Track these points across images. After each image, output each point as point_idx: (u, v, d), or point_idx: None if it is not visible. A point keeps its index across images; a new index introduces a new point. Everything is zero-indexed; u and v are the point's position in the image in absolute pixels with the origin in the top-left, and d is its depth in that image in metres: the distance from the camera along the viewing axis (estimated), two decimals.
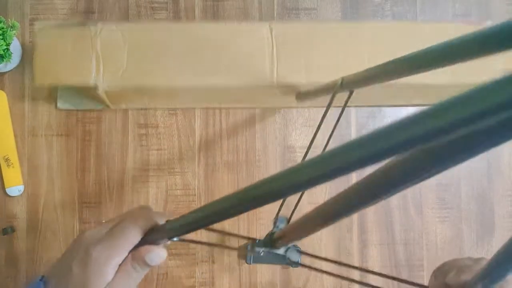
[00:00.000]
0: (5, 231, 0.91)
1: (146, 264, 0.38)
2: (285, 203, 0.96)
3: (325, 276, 0.95)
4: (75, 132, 0.94)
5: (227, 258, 0.94)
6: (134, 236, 0.39)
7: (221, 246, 0.93)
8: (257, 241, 0.83)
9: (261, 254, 0.81)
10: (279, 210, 0.83)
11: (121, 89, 0.82)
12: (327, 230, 0.95)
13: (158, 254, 0.40)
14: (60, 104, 0.93)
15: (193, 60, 0.82)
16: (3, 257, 0.92)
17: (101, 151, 0.94)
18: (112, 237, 0.38)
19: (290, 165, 0.97)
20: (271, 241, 0.79)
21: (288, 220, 0.88)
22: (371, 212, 0.97)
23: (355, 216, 0.96)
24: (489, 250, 0.98)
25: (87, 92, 0.89)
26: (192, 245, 0.92)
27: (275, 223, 0.87)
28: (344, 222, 0.96)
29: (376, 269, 0.90)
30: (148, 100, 0.90)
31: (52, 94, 0.94)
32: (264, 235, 0.68)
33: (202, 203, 0.97)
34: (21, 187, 0.93)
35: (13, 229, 0.92)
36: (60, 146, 0.94)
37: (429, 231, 0.98)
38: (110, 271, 0.37)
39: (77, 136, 0.94)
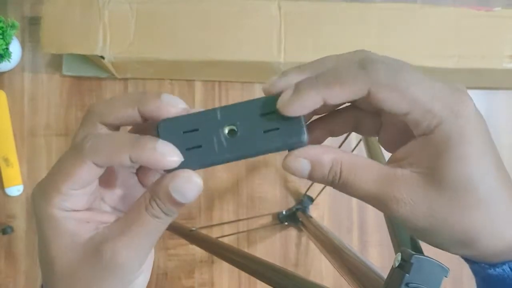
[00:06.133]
0: (4, 231, 0.91)
1: (172, 201, 0.21)
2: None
3: (325, 275, 0.95)
4: (74, 132, 0.94)
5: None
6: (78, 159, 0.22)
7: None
8: (280, 214, 0.94)
9: None
10: (307, 190, 0.91)
11: (127, 60, 0.84)
12: None
13: (189, 179, 0.21)
14: (65, 71, 0.93)
15: (200, 35, 0.83)
16: (3, 257, 0.92)
17: None
18: (50, 173, 0.22)
19: None
20: (294, 215, 0.93)
21: (313, 200, 0.94)
22: (371, 213, 0.96)
23: (355, 217, 0.96)
24: None
25: (92, 60, 0.90)
26: (192, 246, 0.92)
27: (301, 201, 0.92)
28: (344, 223, 0.96)
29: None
30: (154, 71, 0.90)
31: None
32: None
33: (202, 203, 0.97)
34: (21, 187, 0.92)
35: (12, 229, 0.91)
36: (60, 146, 0.94)
37: None
38: (51, 223, 0.22)
39: None
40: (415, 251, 0.31)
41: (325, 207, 0.96)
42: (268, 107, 0.22)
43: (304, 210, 0.91)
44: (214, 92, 0.96)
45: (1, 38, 0.83)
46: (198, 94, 0.96)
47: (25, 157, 0.93)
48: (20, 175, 0.93)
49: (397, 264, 0.32)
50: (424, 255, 0.31)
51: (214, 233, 0.94)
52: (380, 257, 0.96)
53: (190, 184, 0.21)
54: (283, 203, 0.95)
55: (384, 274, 0.35)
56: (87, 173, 0.22)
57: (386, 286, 0.32)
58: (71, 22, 0.82)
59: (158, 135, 0.22)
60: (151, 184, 0.23)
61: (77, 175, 0.22)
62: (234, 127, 0.22)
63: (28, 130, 0.94)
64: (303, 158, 0.22)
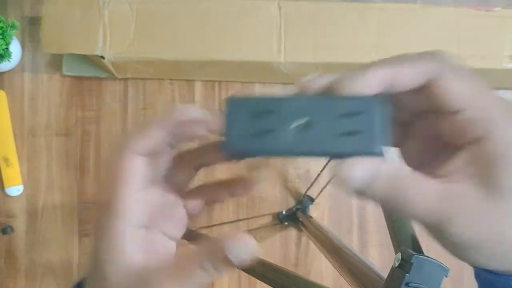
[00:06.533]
0: (4, 231, 0.91)
1: (227, 263, 0.21)
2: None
3: (325, 275, 0.95)
4: (74, 132, 0.94)
5: None
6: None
7: None
8: (280, 214, 0.94)
9: None
10: (307, 190, 0.91)
11: (127, 60, 0.84)
12: None
13: (246, 244, 0.21)
14: (65, 71, 0.93)
15: (200, 35, 0.83)
16: (3, 256, 0.92)
17: (101, 151, 0.94)
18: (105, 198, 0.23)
19: (289, 165, 0.97)
20: (294, 215, 0.93)
21: (313, 200, 0.94)
22: (371, 213, 0.96)
23: (354, 218, 0.96)
24: None
25: (92, 60, 0.90)
26: (191, 246, 0.92)
27: (301, 201, 0.91)
28: (344, 223, 0.96)
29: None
30: (154, 71, 0.91)
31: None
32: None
33: None
34: (21, 187, 0.92)
35: (12, 229, 0.91)
36: (60, 146, 0.94)
37: None
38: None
39: (76, 136, 0.94)
40: (415, 251, 0.31)
41: (325, 207, 0.96)
42: (350, 107, 0.20)
43: (304, 210, 0.91)
44: (214, 92, 0.96)
45: (1, 38, 0.83)
46: (198, 94, 0.96)
47: (25, 157, 0.93)
48: (20, 175, 0.93)
49: (397, 264, 0.32)
50: (424, 255, 0.31)
51: (214, 233, 0.94)
52: (380, 257, 0.96)
53: (247, 249, 0.21)
54: (283, 203, 0.95)
55: (384, 274, 0.35)
56: (134, 164, 0.22)
57: (386, 286, 0.32)
58: (71, 22, 0.82)
59: (225, 112, 0.21)
60: (208, 240, 0.23)
61: (127, 169, 0.22)
62: (309, 121, 0.20)
63: (28, 130, 0.94)
64: (368, 167, 0.19)
